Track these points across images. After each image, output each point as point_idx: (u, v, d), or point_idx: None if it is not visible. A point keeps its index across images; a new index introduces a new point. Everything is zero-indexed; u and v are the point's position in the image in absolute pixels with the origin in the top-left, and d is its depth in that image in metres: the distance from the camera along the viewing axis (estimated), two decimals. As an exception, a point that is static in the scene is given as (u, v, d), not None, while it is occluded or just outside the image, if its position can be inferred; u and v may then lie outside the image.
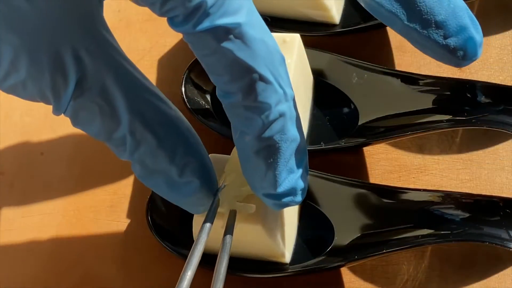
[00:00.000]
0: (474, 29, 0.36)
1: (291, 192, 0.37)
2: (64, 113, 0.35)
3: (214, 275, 0.36)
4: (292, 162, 0.37)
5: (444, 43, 0.36)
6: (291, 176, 0.37)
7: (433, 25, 0.35)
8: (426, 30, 0.35)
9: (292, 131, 0.36)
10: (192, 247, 0.36)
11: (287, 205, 0.38)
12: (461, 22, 0.35)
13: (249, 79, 0.34)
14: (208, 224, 0.37)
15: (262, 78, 0.34)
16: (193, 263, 0.35)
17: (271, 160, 0.36)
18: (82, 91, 0.34)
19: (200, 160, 0.37)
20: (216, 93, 0.36)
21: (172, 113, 0.36)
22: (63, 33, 0.33)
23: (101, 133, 0.35)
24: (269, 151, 0.36)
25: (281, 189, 0.37)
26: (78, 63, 0.33)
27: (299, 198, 0.38)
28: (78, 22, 0.33)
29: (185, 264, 0.34)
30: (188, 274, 0.34)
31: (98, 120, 0.35)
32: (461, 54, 0.36)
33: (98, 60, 0.34)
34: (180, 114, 0.37)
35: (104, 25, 0.35)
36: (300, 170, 0.37)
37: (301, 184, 0.37)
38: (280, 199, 0.37)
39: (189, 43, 0.35)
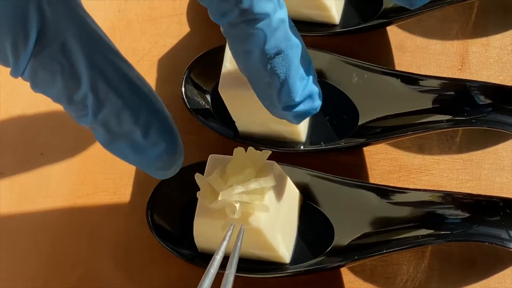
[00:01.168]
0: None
1: (309, 97, 0.38)
2: (22, 74, 0.34)
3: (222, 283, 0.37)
4: (302, 69, 0.37)
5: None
6: (305, 82, 0.38)
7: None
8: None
9: (294, 37, 0.37)
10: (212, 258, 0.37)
11: (308, 112, 0.38)
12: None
13: None
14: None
15: None
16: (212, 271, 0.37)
17: (283, 70, 0.37)
18: (42, 47, 0.33)
19: (164, 121, 0.36)
20: (212, 18, 0.36)
21: (134, 73, 0.36)
22: None
23: (63, 95, 0.34)
24: (279, 61, 0.36)
25: (298, 97, 0.37)
26: (39, 15, 0.32)
27: (318, 102, 0.39)
28: None
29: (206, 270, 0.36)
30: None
31: (59, 80, 0.34)
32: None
33: (60, 13, 0.33)
34: (141, 76, 0.36)
35: None
36: (310, 75, 0.38)
37: (315, 89, 0.38)
38: (300, 108, 0.38)
39: None
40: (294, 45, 0.37)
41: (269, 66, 0.36)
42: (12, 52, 0.33)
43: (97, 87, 0.34)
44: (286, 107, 0.38)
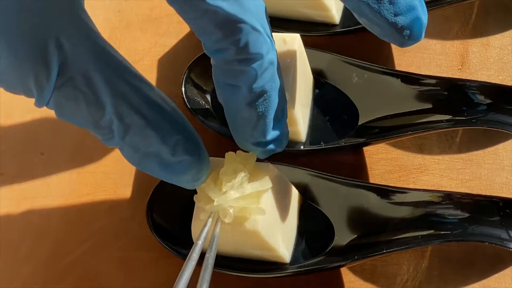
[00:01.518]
0: (422, 10, 0.37)
1: (278, 137, 0.39)
2: (47, 105, 0.35)
3: (200, 277, 0.37)
4: (279, 109, 0.38)
5: (393, 20, 0.36)
6: (278, 123, 0.38)
7: (385, 1, 0.36)
8: (378, 5, 0.36)
9: (279, 79, 0.37)
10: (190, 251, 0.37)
11: (275, 151, 0.39)
12: (410, 1, 0.36)
13: (241, 32, 0.35)
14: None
15: (254, 29, 0.35)
16: (191, 265, 0.36)
17: (263, 109, 0.37)
18: (65, 79, 0.34)
19: (189, 136, 0.37)
20: (205, 51, 0.36)
21: (156, 93, 0.36)
22: (45, 21, 0.33)
23: (88, 121, 0.35)
24: (260, 101, 0.37)
25: (270, 136, 0.38)
26: (59, 50, 0.33)
27: (285, 143, 0.39)
28: (59, 7, 0.33)
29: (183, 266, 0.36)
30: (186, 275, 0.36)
31: (83, 109, 0.34)
32: (407, 34, 0.36)
33: (79, 46, 0.34)
34: (163, 94, 0.37)
35: (82, 8, 0.34)
36: (284, 117, 0.39)
37: (285, 130, 0.39)
38: (269, 147, 0.39)
39: (175, 8, 0.34)
40: (277, 87, 0.37)
41: (251, 104, 0.37)
42: (36, 87, 0.34)
43: (121, 112, 0.35)
44: (257, 143, 0.38)
